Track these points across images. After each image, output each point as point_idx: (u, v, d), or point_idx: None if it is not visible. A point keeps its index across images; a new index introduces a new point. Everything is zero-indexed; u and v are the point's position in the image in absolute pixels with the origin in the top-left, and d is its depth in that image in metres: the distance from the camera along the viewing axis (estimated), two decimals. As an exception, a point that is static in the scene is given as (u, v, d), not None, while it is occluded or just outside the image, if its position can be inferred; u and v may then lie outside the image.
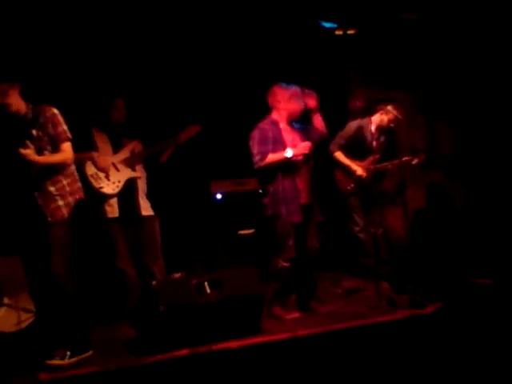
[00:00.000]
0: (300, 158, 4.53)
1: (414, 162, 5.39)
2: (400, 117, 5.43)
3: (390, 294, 4.81)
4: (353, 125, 5.54)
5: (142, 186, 4.88)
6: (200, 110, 5.58)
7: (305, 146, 4.52)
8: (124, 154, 4.83)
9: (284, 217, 4.48)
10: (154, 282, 4.12)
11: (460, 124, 6.47)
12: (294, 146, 4.54)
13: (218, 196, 5.94)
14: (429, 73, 6.44)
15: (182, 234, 5.72)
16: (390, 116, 5.41)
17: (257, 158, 4.50)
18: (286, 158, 4.45)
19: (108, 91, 4.94)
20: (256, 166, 4.54)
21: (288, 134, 4.64)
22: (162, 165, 4.92)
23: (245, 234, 5.88)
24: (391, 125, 5.46)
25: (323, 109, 4.62)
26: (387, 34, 6.24)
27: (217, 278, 4.17)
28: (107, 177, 4.71)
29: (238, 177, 5.83)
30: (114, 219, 4.72)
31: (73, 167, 4.03)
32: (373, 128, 5.51)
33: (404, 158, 5.36)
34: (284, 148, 4.51)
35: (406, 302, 4.53)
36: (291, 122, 4.68)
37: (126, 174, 4.79)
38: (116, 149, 4.84)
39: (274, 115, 4.66)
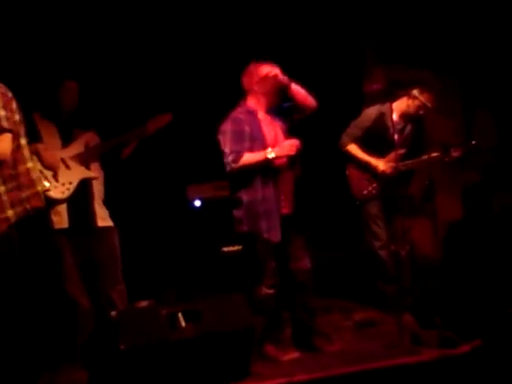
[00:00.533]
0: (284, 160, 4.53)
1: (448, 159, 5.44)
2: (429, 103, 5.48)
3: (415, 329, 4.84)
4: (371, 112, 5.59)
5: (98, 189, 4.90)
6: (172, 97, 5.69)
7: (291, 145, 4.49)
8: (76, 148, 4.84)
9: (264, 234, 4.50)
10: (112, 313, 4.16)
11: (505, 112, 6.57)
12: (276, 143, 4.53)
13: (197, 203, 5.99)
14: (464, 46, 6.53)
15: (149, 250, 5.77)
16: (418, 102, 5.47)
17: (229, 158, 4.49)
18: (267, 160, 4.45)
19: (57, 70, 4.97)
20: (228, 168, 4.53)
21: (268, 126, 4.63)
22: (123, 162, 4.95)
23: (230, 251, 5.91)
24: (420, 112, 5.53)
25: (333, 93, 4.65)
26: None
27: (194, 307, 4.20)
28: (55, 176, 4.71)
29: (220, 179, 5.79)
30: (62, 231, 4.73)
31: (24, 166, 3.87)
32: (396, 116, 5.54)
33: (434, 154, 5.41)
34: (264, 145, 4.50)
35: (435, 340, 4.56)
36: (272, 109, 4.68)
37: (78, 173, 4.80)
38: (66, 141, 4.85)
39: (251, 102, 4.66)
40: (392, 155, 5.46)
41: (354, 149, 5.55)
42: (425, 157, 5.43)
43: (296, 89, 4.62)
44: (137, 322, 4.05)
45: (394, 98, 5.53)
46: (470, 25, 6.42)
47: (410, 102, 5.52)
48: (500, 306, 4.98)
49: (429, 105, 5.47)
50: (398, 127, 5.53)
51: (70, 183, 4.73)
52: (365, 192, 5.53)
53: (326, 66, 5.82)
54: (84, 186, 4.82)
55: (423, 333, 4.74)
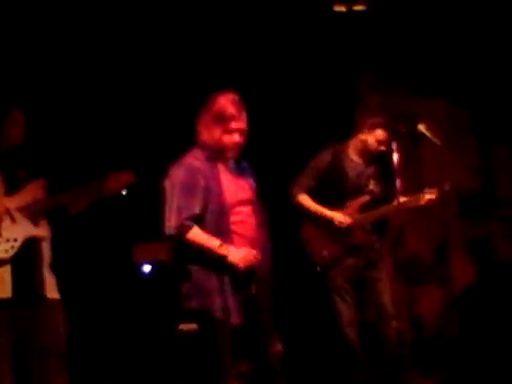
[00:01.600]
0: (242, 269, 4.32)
1: (423, 202, 5.37)
2: (437, 140, 5.39)
3: None
4: (324, 154, 5.60)
5: (46, 250, 4.79)
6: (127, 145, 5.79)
7: (251, 257, 4.28)
8: (23, 198, 4.74)
9: (218, 315, 4.31)
10: None
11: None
12: (236, 200, 4.35)
13: (146, 268, 5.97)
14: (479, 72, 6.52)
15: (90, 330, 5.68)
16: (380, 136, 5.42)
17: (172, 222, 4.30)
18: (218, 255, 4.26)
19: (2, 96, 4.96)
20: (167, 233, 4.33)
21: (230, 180, 4.44)
22: (68, 220, 4.86)
23: (189, 330, 5.62)
24: (381, 148, 5.45)
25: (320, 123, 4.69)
26: (413, 11, 6.31)
27: None
28: None
29: None
30: (2, 302, 4.57)
31: None
32: (354, 156, 5.58)
33: (402, 199, 5.33)
34: (220, 203, 4.31)
35: None
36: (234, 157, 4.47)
37: (25, 229, 4.69)
38: (10, 187, 4.75)
39: (205, 135, 4.40)
40: (353, 204, 5.48)
41: (305, 200, 5.52)
42: (393, 204, 5.37)
43: None
44: None
45: (394, 134, 5.44)
46: (483, 46, 6.47)
47: (369, 136, 5.48)
48: None
49: (437, 142, 5.39)
50: (359, 169, 5.55)
51: (15, 240, 4.63)
52: (324, 254, 5.46)
53: (307, 90, 5.85)
54: (31, 245, 4.70)
55: None
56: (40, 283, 4.67)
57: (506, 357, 5.57)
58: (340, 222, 5.41)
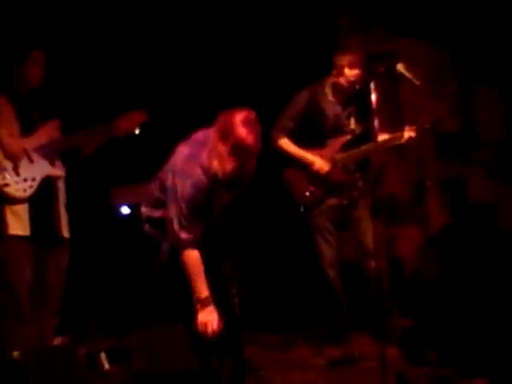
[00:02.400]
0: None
1: (403, 140, 5.38)
2: (416, 80, 5.36)
3: (401, 366, 4.77)
4: (301, 96, 5.61)
5: (62, 190, 4.98)
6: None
7: (210, 323, 4.22)
8: (39, 138, 4.86)
9: None
10: (15, 353, 4.17)
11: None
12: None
13: (124, 210, 5.99)
14: (459, 7, 6.46)
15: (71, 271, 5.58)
16: (353, 73, 5.42)
17: (182, 235, 4.24)
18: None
19: (21, 37, 5.01)
20: (173, 243, 4.32)
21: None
22: (81, 160, 5.00)
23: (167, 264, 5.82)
24: (356, 86, 5.45)
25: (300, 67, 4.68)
26: None
27: (122, 344, 4.30)
28: (16, 169, 4.72)
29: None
30: (19, 238, 4.68)
31: None
32: (331, 96, 5.59)
33: (382, 138, 5.37)
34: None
35: (427, 379, 4.53)
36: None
37: (42, 169, 4.81)
38: (26, 128, 4.86)
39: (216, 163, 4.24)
40: (333, 144, 5.50)
41: (285, 143, 5.56)
42: (373, 142, 5.37)
43: None
44: (47, 364, 4.06)
45: (372, 74, 5.39)
46: None
47: (342, 75, 5.49)
48: (509, 334, 4.94)
49: (417, 82, 5.37)
50: (337, 108, 5.57)
51: (33, 180, 4.75)
52: (307, 193, 5.50)
53: (285, 35, 5.85)
54: (48, 185, 4.85)
55: (412, 370, 4.70)
56: (58, 222, 4.86)
57: (483, 295, 5.61)
58: (320, 168, 5.43)
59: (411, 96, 5.98)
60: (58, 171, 4.92)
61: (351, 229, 5.56)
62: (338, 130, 5.53)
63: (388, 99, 5.63)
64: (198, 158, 4.23)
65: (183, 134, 4.85)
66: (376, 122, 5.07)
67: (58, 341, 4.71)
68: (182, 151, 4.29)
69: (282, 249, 6.44)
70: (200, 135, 4.35)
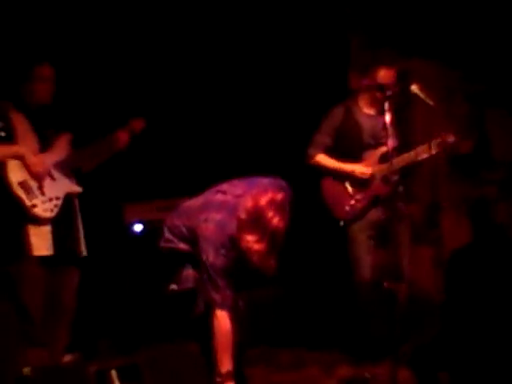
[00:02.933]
0: None
1: (445, 149, 5.35)
2: (430, 101, 5.36)
3: None
4: (337, 111, 5.63)
5: (78, 208, 4.98)
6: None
7: None
8: (57, 153, 4.86)
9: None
10: (25, 370, 4.11)
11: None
12: None
13: (137, 228, 6.01)
14: (472, 29, 6.46)
15: (82, 289, 5.58)
16: (385, 76, 5.43)
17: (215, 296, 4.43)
18: None
19: (30, 52, 5.04)
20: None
21: None
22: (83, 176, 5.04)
23: (180, 289, 5.56)
24: (388, 91, 5.29)
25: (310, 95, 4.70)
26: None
27: (133, 362, 4.16)
28: (41, 189, 4.71)
29: (166, 196, 5.84)
30: (40, 259, 4.66)
31: None
32: (366, 108, 5.62)
33: (421, 147, 5.33)
34: None
35: None
36: None
37: (64, 186, 4.84)
38: (43, 144, 4.85)
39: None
40: (371, 157, 5.50)
41: (323, 159, 5.57)
42: (412, 152, 5.37)
43: None
44: (58, 382, 4.05)
45: (389, 97, 5.37)
46: (476, 6, 6.42)
47: (374, 82, 5.50)
48: None
49: (431, 102, 5.37)
50: (373, 120, 5.56)
51: (57, 198, 4.76)
52: (347, 208, 5.46)
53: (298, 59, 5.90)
54: (69, 203, 4.87)
55: None
56: (78, 241, 4.89)
57: (496, 317, 5.62)
58: (361, 173, 5.44)
59: (423, 117, 5.96)
60: (77, 187, 4.93)
61: (389, 249, 5.38)
62: (375, 142, 5.52)
63: (401, 120, 5.60)
64: (227, 228, 4.39)
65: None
66: (390, 142, 5.04)
67: (68, 358, 4.72)
68: (214, 217, 4.42)
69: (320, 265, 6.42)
70: (230, 201, 4.48)
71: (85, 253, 4.92)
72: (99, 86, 6.10)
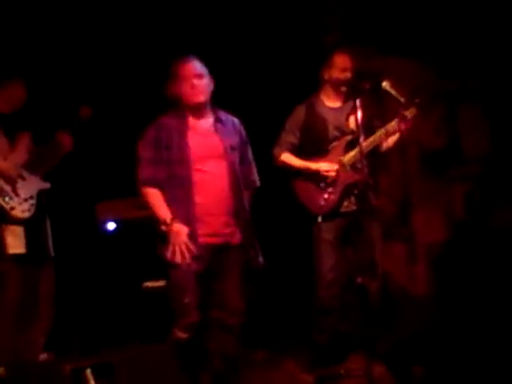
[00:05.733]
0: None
1: (403, 123, 5.37)
2: (401, 98, 5.39)
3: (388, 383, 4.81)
4: (299, 108, 5.65)
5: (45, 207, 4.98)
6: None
7: (183, 246, 4.51)
8: (22, 152, 4.88)
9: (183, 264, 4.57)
10: (0, 369, 4.15)
11: (499, 108, 6.53)
12: (205, 159, 4.62)
13: (110, 226, 5.97)
14: (447, 28, 6.50)
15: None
16: (341, 62, 5.46)
17: (138, 176, 4.62)
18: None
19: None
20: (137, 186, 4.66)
21: (201, 137, 4.73)
22: None
23: (154, 287, 5.81)
24: (347, 75, 5.44)
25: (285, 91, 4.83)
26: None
27: (107, 360, 4.15)
28: (15, 191, 4.73)
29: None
30: (15, 257, 4.71)
31: None
32: (328, 101, 5.63)
33: (389, 124, 5.37)
34: (183, 160, 4.60)
35: None
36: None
37: (34, 184, 4.86)
38: (12, 142, 4.89)
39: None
40: (337, 148, 5.50)
41: (287, 158, 5.57)
42: (382, 130, 5.39)
43: None
44: (33, 380, 4.03)
45: (358, 91, 5.39)
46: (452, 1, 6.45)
47: (332, 71, 5.51)
48: (500, 350, 4.93)
49: (401, 99, 5.40)
50: (336, 112, 5.57)
51: (32, 197, 4.80)
52: (322, 202, 5.44)
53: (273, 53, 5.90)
54: (40, 201, 4.89)
55: None
56: (47, 241, 4.90)
57: (472, 311, 5.63)
58: (327, 172, 5.42)
59: (396, 113, 5.99)
60: (46, 184, 4.93)
61: (360, 243, 5.45)
62: (340, 134, 5.50)
63: (373, 116, 5.64)
64: None
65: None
66: (361, 139, 5.06)
67: (43, 357, 4.72)
68: None
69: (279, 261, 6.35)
70: None
71: (52, 252, 4.93)
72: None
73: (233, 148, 4.74)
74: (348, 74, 5.47)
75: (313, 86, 5.83)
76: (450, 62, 6.61)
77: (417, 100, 5.40)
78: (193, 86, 4.62)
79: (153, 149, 4.61)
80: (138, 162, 4.63)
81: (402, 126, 5.38)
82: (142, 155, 4.63)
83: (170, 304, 4.65)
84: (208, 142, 4.69)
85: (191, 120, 4.70)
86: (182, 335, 4.58)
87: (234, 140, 4.78)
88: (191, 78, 4.62)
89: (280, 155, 5.56)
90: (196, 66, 4.70)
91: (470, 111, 6.68)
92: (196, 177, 4.58)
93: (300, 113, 5.60)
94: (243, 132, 4.90)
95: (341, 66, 5.48)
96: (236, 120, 4.91)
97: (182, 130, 4.65)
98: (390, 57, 6.42)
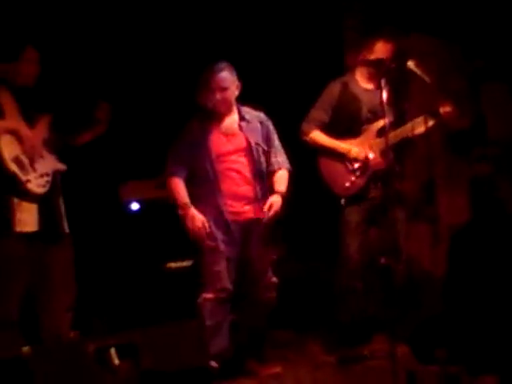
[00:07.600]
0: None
1: (439, 119, 5.37)
2: (427, 78, 5.38)
3: (411, 365, 4.80)
4: (333, 86, 5.61)
5: (59, 186, 4.95)
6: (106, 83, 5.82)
7: (196, 227, 4.99)
8: (43, 131, 4.85)
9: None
10: (24, 348, 4.10)
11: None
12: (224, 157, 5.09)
13: (134, 206, 6.02)
14: (471, 7, 6.44)
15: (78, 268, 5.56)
16: (383, 48, 5.43)
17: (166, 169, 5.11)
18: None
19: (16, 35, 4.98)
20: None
21: (222, 136, 5.15)
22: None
23: (177, 268, 5.92)
24: (386, 63, 5.37)
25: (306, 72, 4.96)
26: None
27: (130, 340, 4.16)
28: (32, 165, 4.69)
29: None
30: (25, 236, 4.65)
31: None
32: (363, 82, 5.62)
33: (418, 119, 5.33)
34: (206, 158, 5.05)
35: (437, 378, 4.51)
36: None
37: (52, 163, 4.83)
38: (30, 122, 4.83)
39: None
40: (370, 130, 5.50)
41: (318, 136, 5.54)
42: (408, 125, 5.40)
43: None
44: (57, 360, 3.99)
45: (383, 71, 5.33)
46: None
47: (372, 55, 5.46)
48: None
49: (427, 79, 5.37)
50: (371, 94, 5.53)
51: (48, 175, 4.76)
52: (347, 184, 5.46)
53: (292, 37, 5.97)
54: (55, 181, 4.84)
55: (422, 369, 4.72)
56: (60, 218, 4.86)
57: (492, 293, 5.66)
58: (357, 154, 5.44)
59: (420, 93, 5.98)
60: (62, 165, 4.92)
61: (385, 227, 5.43)
62: (373, 117, 5.48)
63: (398, 96, 5.62)
64: None
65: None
66: (387, 118, 5.04)
67: (71, 334, 4.79)
68: None
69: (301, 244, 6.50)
70: None
71: (67, 230, 4.90)
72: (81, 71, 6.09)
73: (257, 144, 5.10)
74: (386, 64, 5.38)
75: (333, 70, 5.87)
76: (475, 40, 6.54)
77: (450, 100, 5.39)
78: (216, 98, 5.00)
79: (181, 146, 5.06)
80: (167, 157, 5.07)
81: (431, 124, 5.33)
82: (171, 151, 5.08)
83: (201, 276, 5.00)
84: (232, 139, 5.10)
85: (216, 120, 5.10)
86: (209, 296, 4.88)
87: (259, 136, 5.12)
88: (216, 91, 4.99)
89: (309, 132, 5.53)
90: (222, 78, 5.02)
91: (495, 90, 6.64)
92: (220, 168, 5.03)
93: (335, 90, 5.57)
94: (269, 124, 5.21)
95: (383, 54, 5.43)
96: (261, 114, 5.21)
97: (208, 130, 5.07)
98: (412, 35, 6.35)
